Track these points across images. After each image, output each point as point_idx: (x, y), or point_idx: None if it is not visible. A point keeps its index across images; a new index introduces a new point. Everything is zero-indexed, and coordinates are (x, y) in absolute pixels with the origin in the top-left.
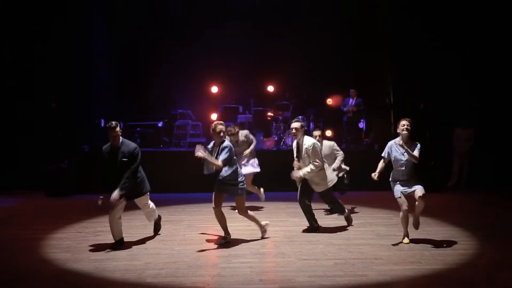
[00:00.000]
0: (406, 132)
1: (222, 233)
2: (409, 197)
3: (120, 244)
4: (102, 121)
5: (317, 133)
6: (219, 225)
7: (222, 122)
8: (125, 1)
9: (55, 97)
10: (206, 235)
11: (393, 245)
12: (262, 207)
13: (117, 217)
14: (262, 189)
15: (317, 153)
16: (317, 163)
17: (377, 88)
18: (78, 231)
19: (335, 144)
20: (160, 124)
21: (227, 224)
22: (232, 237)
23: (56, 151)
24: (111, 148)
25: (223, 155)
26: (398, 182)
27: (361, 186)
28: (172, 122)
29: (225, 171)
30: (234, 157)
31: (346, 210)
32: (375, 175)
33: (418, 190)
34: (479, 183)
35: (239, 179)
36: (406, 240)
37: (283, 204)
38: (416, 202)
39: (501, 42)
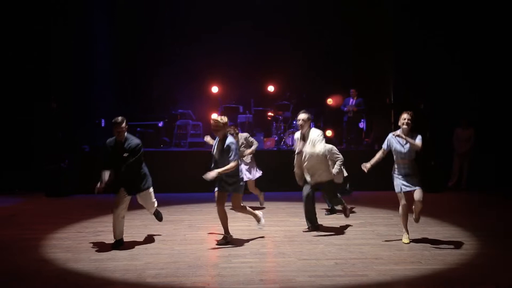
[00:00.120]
0: (406, 127)
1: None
2: (408, 194)
3: (119, 244)
4: (103, 121)
5: None
6: (219, 225)
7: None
8: (126, 1)
9: (55, 97)
10: (206, 235)
11: (390, 241)
12: (266, 207)
13: (121, 216)
14: (263, 194)
15: (324, 143)
16: (335, 150)
17: (378, 88)
18: (79, 231)
19: (334, 148)
20: (160, 124)
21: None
22: (232, 237)
23: (57, 151)
24: (115, 142)
25: (233, 155)
26: (399, 177)
27: (361, 186)
28: (172, 122)
29: (222, 163)
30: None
31: (346, 205)
32: (365, 166)
33: (417, 193)
34: (479, 183)
35: (240, 176)
36: (405, 239)
37: (283, 204)
38: (413, 205)
39: (501, 42)
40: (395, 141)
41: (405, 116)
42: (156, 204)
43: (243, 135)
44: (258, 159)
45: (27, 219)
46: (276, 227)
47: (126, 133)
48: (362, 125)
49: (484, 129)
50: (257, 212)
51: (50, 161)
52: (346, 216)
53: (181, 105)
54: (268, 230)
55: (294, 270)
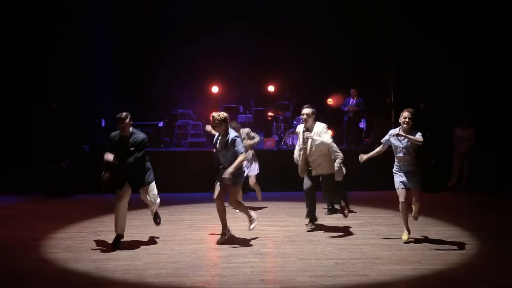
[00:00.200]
0: (406, 126)
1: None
2: (408, 191)
3: (120, 239)
4: (103, 121)
5: None
6: (219, 224)
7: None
8: (126, 1)
9: (55, 97)
10: (206, 235)
11: (390, 241)
12: (266, 207)
13: (124, 210)
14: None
15: (329, 137)
16: (340, 154)
17: (378, 88)
18: (79, 231)
19: (334, 145)
20: (160, 124)
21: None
22: (232, 236)
23: (57, 151)
24: (120, 137)
25: (240, 147)
26: (399, 173)
27: (361, 186)
28: (172, 122)
29: (230, 163)
30: None
31: (345, 204)
32: (362, 157)
33: (414, 194)
34: (480, 183)
35: (241, 170)
36: (405, 236)
37: (284, 204)
38: (412, 203)
39: (501, 42)
40: (394, 138)
41: (405, 115)
42: (158, 201)
43: (244, 130)
44: (258, 159)
45: (27, 219)
46: (276, 227)
47: (131, 128)
48: (362, 125)
49: (484, 129)
50: (252, 213)
51: (50, 161)
52: (345, 215)
53: (181, 105)
54: (268, 230)
55: (295, 270)
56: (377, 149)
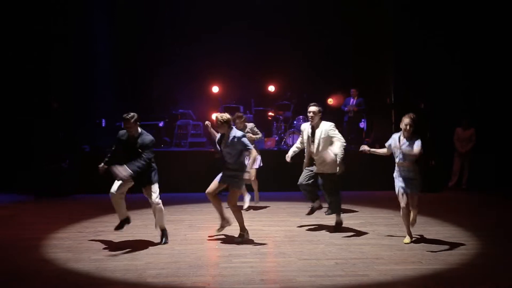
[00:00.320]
0: (407, 133)
1: (221, 234)
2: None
3: (126, 222)
4: (103, 121)
5: None
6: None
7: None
8: (126, 1)
9: (56, 97)
10: (206, 235)
11: (391, 241)
12: (266, 207)
13: (118, 195)
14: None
15: (336, 131)
16: (342, 139)
17: (378, 88)
18: (79, 231)
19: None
20: (161, 124)
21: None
22: (231, 235)
23: (57, 151)
24: (128, 136)
25: (247, 144)
26: (399, 179)
27: (361, 186)
28: (173, 122)
29: (234, 161)
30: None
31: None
32: (363, 148)
33: (412, 201)
34: (480, 183)
35: (244, 172)
36: (406, 239)
37: (284, 204)
38: (410, 209)
39: (502, 42)
40: (394, 143)
41: (406, 122)
42: (161, 205)
43: (249, 125)
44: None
45: (27, 219)
46: (277, 227)
47: (139, 129)
48: (362, 125)
49: (484, 129)
50: (246, 228)
51: (50, 161)
52: (336, 230)
53: (182, 105)
54: (269, 230)
55: (295, 270)
56: (381, 150)
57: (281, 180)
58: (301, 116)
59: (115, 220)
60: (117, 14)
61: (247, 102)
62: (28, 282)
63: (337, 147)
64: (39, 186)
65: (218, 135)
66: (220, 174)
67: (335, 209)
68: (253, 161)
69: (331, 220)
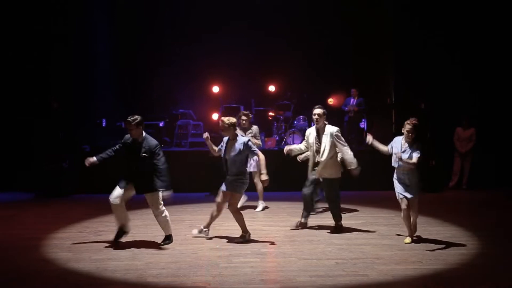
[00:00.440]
0: (409, 139)
1: (221, 234)
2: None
3: (124, 232)
4: (104, 121)
5: None
6: (220, 224)
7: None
8: (126, 1)
9: (56, 97)
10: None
11: (391, 241)
12: (266, 207)
13: (118, 202)
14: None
15: (341, 137)
16: (346, 144)
17: (378, 88)
18: (80, 231)
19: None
20: (161, 124)
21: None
22: (232, 236)
23: (57, 151)
24: (133, 140)
25: (255, 149)
26: (397, 182)
27: (361, 186)
28: (173, 122)
29: (238, 167)
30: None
31: (341, 222)
32: (370, 136)
33: (412, 205)
34: (480, 183)
35: (246, 178)
36: (407, 239)
37: (284, 204)
38: (410, 214)
39: (501, 42)
40: (395, 145)
41: (408, 128)
42: (165, 213)
43: (254, 128)
44: None
45: (27, 219)
46: (277, 227)
47: (144, 133)
48: (363, 125)
49: (485, 128)
50: (248, 230)
51: (50, 161)
52: (336, 231)
53: (182, 105)
54: (269, 230)
55: (295, 270)
56: (383, 147)
57: (281, 180)
58: (301, 116)
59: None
60: (117, 14)
61: (248, 102)
62: (28, 282)
63: (350, 155)
64: (39, 186)
65: (221, 145)
66: (224, 183)
67: (335, 216)
68: (264, 165)
69: (331, 220)
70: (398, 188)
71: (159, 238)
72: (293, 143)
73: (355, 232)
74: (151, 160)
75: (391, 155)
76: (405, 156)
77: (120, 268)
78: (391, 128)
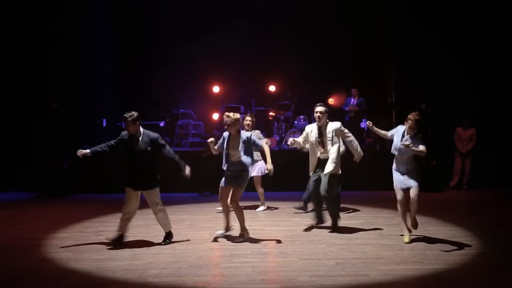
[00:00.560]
0: (412, 132)
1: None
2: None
3: (121, 240)
4: (104, 121)
5: None
6: (220, 224)
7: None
8: (126, 1)
9: (56, 97)
10: (207, 235)
11: (391, 241)
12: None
13: (133, 209)
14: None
15: (345, 129)
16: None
17: (379, 88)
18: (80, 231)
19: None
20: (161, 124)
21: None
22: (233, 236)
23: (57, 151)
24: (130, 136)
25: (258, 141)
26: (397, 172)
27: (361, 186)
28: (173, 122)
29: (240, 163)
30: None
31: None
32: (370, 123)
33: (412, 191)
34: (481, 183)
35: (248, 172)
36: (406, 238)
37: (285, 204)
38: (409, 205)
39: (501, 42)
40: (398, 135)
41: (409, 124)
42: (163, 208)
43: (257, 131)
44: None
45: (28, 219)
46: (277, 227)
47: (142, 129)
48: (363, 124)
49: (485, 128)
50: (247, 228)
51: (50, 161)
52: (315, 225)
53: (182, 105)
54: (269, 230)
55: (295, 270)
56: (383, 132)
57: (281, 180)
58: (301, 116)
59: (115, 220)
60: (117, 14)
61: (248, 102)
62: (28, 282)
63: (357, 145)
64: (39, 186)
65: (220, 142)
66: (223, 179)
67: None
68: (270, 156)
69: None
70: (396, 177)
71: (160, 238)
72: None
73: (355, 232)
74: (153, 155)
75: (391, 143)
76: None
77: (120, 268)
78: (392, 128)
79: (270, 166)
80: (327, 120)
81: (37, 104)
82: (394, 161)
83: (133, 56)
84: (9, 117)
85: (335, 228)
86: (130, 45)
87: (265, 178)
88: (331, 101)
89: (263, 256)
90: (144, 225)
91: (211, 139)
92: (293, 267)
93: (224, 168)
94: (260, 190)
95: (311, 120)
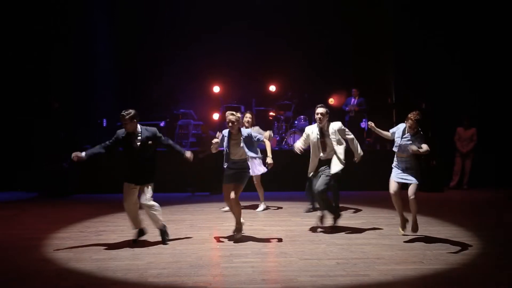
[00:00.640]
0: (412, 131)
1: (222, 234)
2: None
3: (140, 233)
4: (104, 120)
5: None
6: (221, 224)
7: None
8: (126, 1)
9: (57, 97)
10: (208, 235)
11: (392, 241)
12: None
13: (134, 202)
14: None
15: (346, 128)
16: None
17: (379, 87)
18: (80, 231)
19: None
20: (162, 124)
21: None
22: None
23: (58, 151)
24: (128, 134)
25: (258, 137)
26: (395, 168)
27: (361, 186)
28: (174, 122)
29: (241, 160)
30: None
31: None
32: (371, 123)
33: (410, 188)
34: (481, 183)
35: (248, 168)
36: (401, 230)
37: (285, 204)
38: (409, 205)
39: (501, 42)
40: (399, 133)
41: (410, 124)
42: (154, 203)
43: (255, 128)
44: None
45: (28, 219)
46: (278, 227)
47: (139, 126)
48: (363, 124)
49: (485, 128)
50: (243, 223)
51: (51, 161)
52: (321, 223)
53: (183, 105)
54: (270, 230)
55: (296, 270)
56: (385, 133)
57: (282, 180)
58: (302, 116)
59: (116, 219)
60: (117, 14)
61: (248, 102)
62: (28, 282)
63: (357, 144)
64: (39, 186)
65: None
66: (226, 173)
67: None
68: (270, 149)
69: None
70: (393, 172)
71: (160, 238)
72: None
73: (355, 232)
74: (154, 151)
75: (392, 141)
76: (405, 142)
77: (121, 268)
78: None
79: (270, 160)
80: (328, 121)
81: (37, 104)
82: (394, 158)
83: (133, 56)
84: (9, 117)
85: (337, 216)
86: (130, 45)
87: (264, 177)
88: (331, 101)
89: (264, 256)
90: (144, 225)
91: (216, 140)
92: (294, 267)
93: (225, 166)
94: (260, 189)
95: (311, 120)
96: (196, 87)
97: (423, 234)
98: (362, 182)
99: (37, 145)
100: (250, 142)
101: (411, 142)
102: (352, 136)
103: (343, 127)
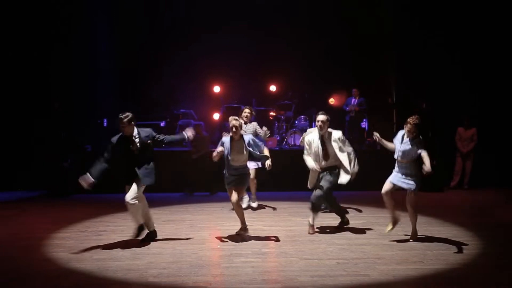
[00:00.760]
0: (411, 135)
1: (223, 233)
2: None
3: (142, 230)
4: (105, 120)
5: None
6: (221, 224)
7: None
8: (127, 1)
9: (57, 97)
10: (208, 235)
11: (392, 241)
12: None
13: (135, 201)
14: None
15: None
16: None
17: (379, 87)
18: (81, 231)
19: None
20: (162, 124)
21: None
22: (233, 236)
23: (59, 150)
24: (123, 138)
25: (261, 144)
26: (394, 172)
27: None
28: (174, 122)
29: (242, 165)
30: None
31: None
32: (376, 134)
33: (407, 197)
34: (482, 183)
35: (247, 169)
36: (388, 227)
37: (285, 204)
38: (408, 213)
39: (501, 42)
40: (398, 139)
41: (409, 128)
42: (137, 202)
43: (253, 123)
44: None
45: (28, 219)
46: (278, 227)
47: (136, 129)
48: (364, 124)
49: (485, 128)
50: (247, 225)
51: (52, 160)
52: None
53: (183, 105)
54: (270, 230)
55: (296, 270)
56: (389, 144)
57: (282, 180)
58: (302, 116)
59: (116, 219)
60: (117, 14)
61: (248, 102)
62: (28, 282)
63: (355, 162)
64: (40, 186)
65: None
66: (228, 181)
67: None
68: (267, 151)
69: (332, 220)
70: (392, 174)
71: (160, 238)
72: (294, 143)
73: (356, 232)
74: (151, 152)
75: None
76: (404, 147)
77: (121, 268)
78: (393, 128)
79: (268, 161)
80: (329, 131)
81: (37, 104)
82: (395, 164)
83: (133, 56)
84: (9, 117)
85: (344, 220)
86: (130, 45)
87: (264, 177)
88: (331, 101)
89: (264, 256)
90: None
91: (221, 148)
92: (294, 267)
93: (226, 173)
94: (254, 182)
95: (311, 120)
96: (196, 87)
97: (423, 234)
98: (362, 182)
99: (37, 145)
100: (253, 147)
101: (410, 146)
102: (351, 148)
103: (343, 137)
